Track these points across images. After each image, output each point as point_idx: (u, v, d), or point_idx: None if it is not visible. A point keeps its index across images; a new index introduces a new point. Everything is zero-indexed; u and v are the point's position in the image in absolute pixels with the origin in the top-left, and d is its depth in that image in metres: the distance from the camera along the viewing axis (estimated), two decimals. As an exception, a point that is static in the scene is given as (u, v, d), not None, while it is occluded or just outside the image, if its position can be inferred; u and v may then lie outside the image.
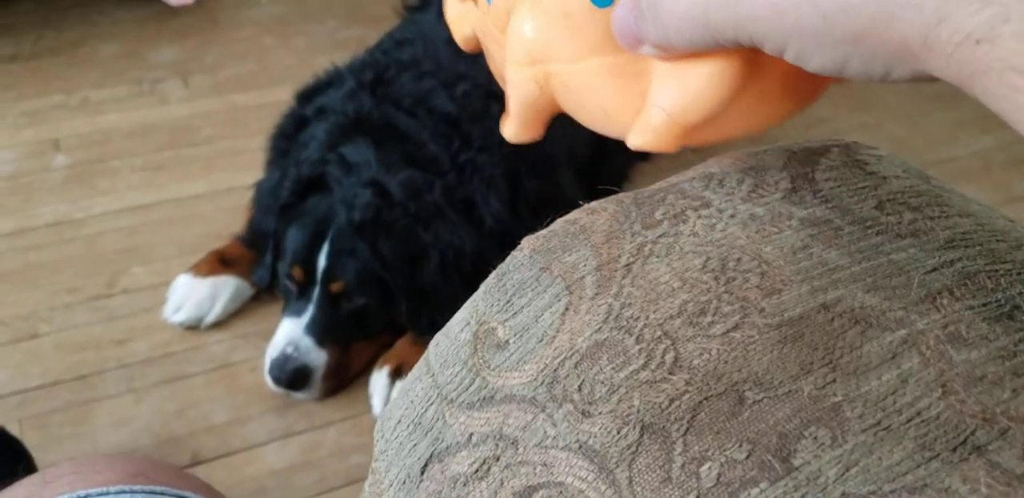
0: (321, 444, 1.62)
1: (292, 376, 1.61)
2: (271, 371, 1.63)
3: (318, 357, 1.63)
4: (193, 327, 1.80)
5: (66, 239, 2.00)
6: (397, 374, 1.68)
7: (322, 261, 1.62)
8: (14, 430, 1.56)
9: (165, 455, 1.57)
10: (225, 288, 1.85)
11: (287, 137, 1.90)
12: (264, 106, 2.54)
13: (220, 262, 1.88)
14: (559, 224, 0.40)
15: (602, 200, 0.40)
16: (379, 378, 1.70)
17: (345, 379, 1.71)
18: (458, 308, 0.44)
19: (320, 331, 1.63)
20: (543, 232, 0.40)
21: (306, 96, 1.97)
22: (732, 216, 0.36)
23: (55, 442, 1.57)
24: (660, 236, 0.36)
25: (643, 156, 2.42)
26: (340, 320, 1.65)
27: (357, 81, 1.83)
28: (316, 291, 1.63)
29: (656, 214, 0.38)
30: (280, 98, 2.56)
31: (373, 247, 1.59)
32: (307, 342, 1.62)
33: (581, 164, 2.04)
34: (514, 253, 0.40)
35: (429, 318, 1.66)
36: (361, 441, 1.63)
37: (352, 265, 1.60)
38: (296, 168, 1.71)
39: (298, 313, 1.65)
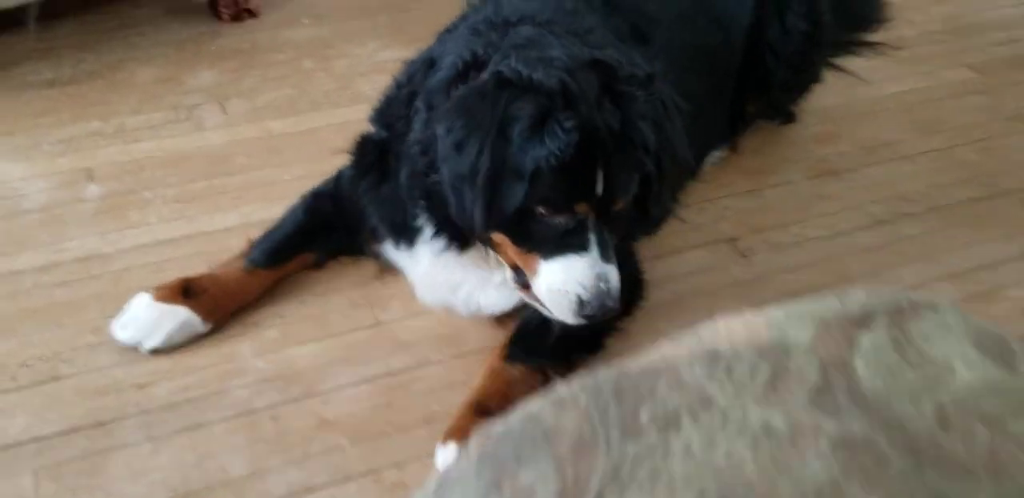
0: (342, 500, 1.55)
1: (615, 301, 1.53)
2: (592, 308, 1.52)
3: (616, 274, 1.54)
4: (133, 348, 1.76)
5: (94, 275, 1.96)
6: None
7: (599, 189, 1.48)
8: (27, 482, 1.51)
9: (179, 512, 1.50)
10: (172, 319, 1.78)
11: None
12: (301, 134, 2.50)
13: (182, 291, 1.81)
14: (518, 420, 0.31)
15: (576, 385, 0.31)
16: (446, 456, 1.59)
17: None
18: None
19: (608, 253, 1.53)
20: (499, 429, 0.31)
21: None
22: (741, 429, 0.27)
23: (70, 495, 1.51)
24: (644, 452, 0.27)
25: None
26: (613, 232, 1.57)
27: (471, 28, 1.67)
28: (591, 220, 1.51)
29: (641, 414, 0.29)
30: (317, 125, 2.53)
31: (635, 143, 1.48)
32: (609, 269, 1.53)
33: None
34: (461, 454, 0.31)
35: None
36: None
37: (626, 180, 1.51)
38: (518, 83, 1.44)
39: (581, 247, 1.51)
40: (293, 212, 1.99)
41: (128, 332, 1.77)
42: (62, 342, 1.79)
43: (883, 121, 2.78)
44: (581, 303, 1.52)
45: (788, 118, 2.71)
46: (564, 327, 1.68)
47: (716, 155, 2.47)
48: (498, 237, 1.57)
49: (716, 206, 2.37)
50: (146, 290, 1.83)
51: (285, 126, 2.52)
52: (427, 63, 1.67)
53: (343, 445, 1.63)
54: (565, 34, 1.60)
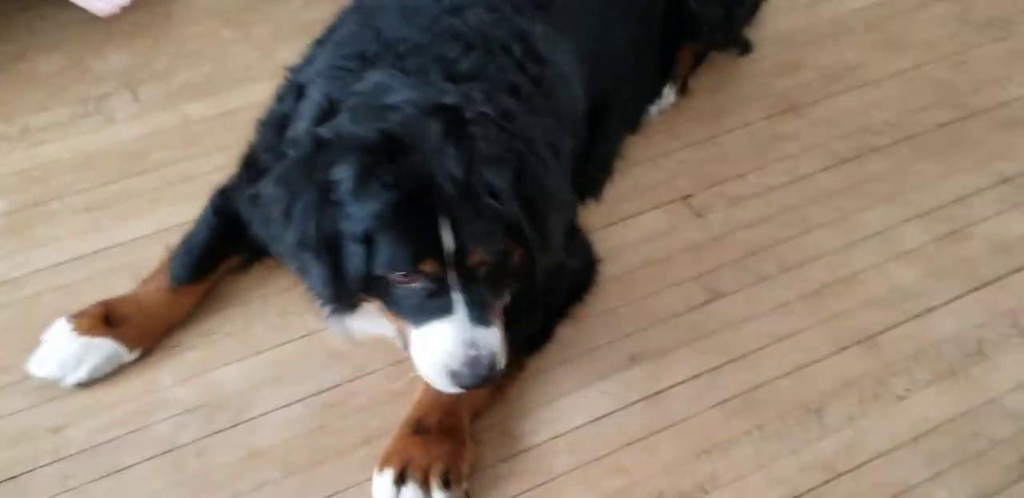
0: (274, 545, 1.46)
1: (490, 371, 1.38)
2: (462, 380, 1.37)
3: (495, 337, 1.39)
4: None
5: (0, 305, 1.83)
6: (402, 479, 1.49)
7: (448, 242, 1.30)
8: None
9: (100, 573, 1.42)
10: (97, 352, 1.67)
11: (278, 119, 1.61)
12: (220, 116, 2.33)
13: (104, 320, 1.69)
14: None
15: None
16: (382, 486, 1.50)
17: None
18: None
19: (481, 312, 1.37)
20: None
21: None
22: None
23: (-17, 563, 1.43)
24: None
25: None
26: (485, 287, 1.38)
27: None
28: (452, 277, 1.34)
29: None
30: (238, 104, 2.35)
31: (486, 190, 1.30)
32: (481, 333, 1.37)
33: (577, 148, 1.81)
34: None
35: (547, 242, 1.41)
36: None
37: (480, 228, 1.30)
38: (336, 142, 1.32)
39: (444, 310, 1.36)
40: (205, 215, 1.85)
41: (47, 369, 1.66)
42: (-32, 387, 1.68)
43: (846, 42, 2.60)
44: (452, 373, 1.37)
45: (744, 48, 2.53)
46: (510, 323, 1.56)
47: (657, 107, 2.30)
48: (372, 301, 1.44)
49: (670, 160, 2.23)
50: (63, 318, 1.71)
51: (203, 109, 2.35)
52: (297, 89, 1.57)
53: (274, 478, 1.55)
54: (428, 66, 1.46)
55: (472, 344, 1.35)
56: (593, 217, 2.04)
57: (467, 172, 1.28)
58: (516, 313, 1.58)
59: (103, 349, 1.67)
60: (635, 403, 1.70)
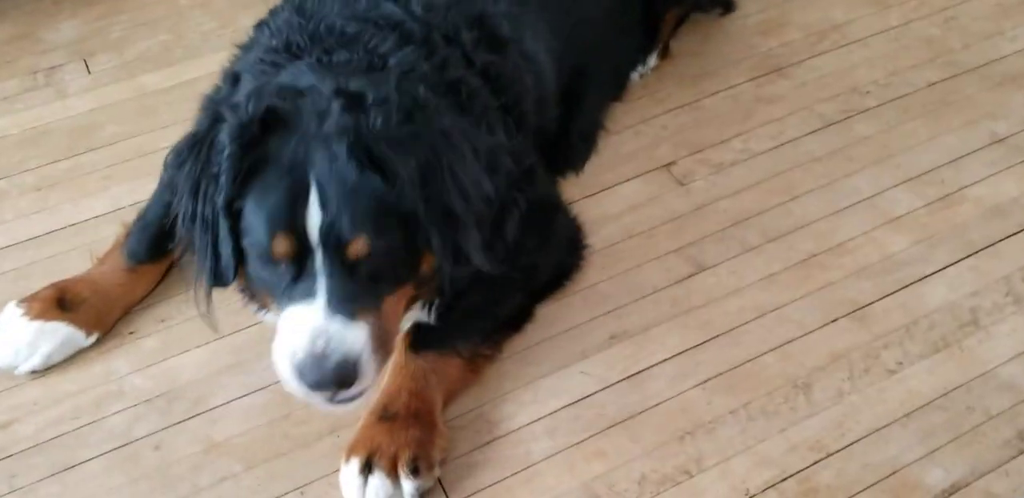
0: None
1: (339, 373, 1.21)
2: (305, 377, 1.22)
3: (357, 337, 1.22)
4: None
5: (-56, 292, 1.74)
6: (368, 468, 1.39)
7: (315, 218, 1.20)
8: None
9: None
10: (51, 337, 1.58)
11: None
12: (177, 87, 2.23)
13: (57, 303, 1.61)
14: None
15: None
16: (348, 476, 1.40)
17: (391, 345, 1.34)
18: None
19: (346, 303, 1.22)
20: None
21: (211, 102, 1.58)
22: None
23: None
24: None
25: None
26: (363, 280, 1.24)
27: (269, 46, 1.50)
28: (319, 258, 1.22)
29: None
30: (195, 75, 2.24)
31: (377, 169, 1.20)
32: (336, 325, 1.21)
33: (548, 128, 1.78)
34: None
35: (458, 245, 1.30)
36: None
37: (358, 207, 1.20)
38: (228, 117, 1.26)
39: (305, 295, 1.23)
40: (161, 188, 1.74)
41: None
42: (-92, 382, 1.59)
43: (834, -1, 2.49)
44: (296, 368, 1.22)
45: (726, 8, 2.43)
46: (485, 301, 1.54)
47: (640, 72, 2.21)
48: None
49: (652, 127, 2.14)
50: (13, 303, 1.63)
51: (159, 80, 2.24)
52: (232, 77, 1.51)
53: (236, 472, 1.47)
54: (353, 61, 1.39)
55: (321, 335, 1.20)
56: (572, 188, 1.95)
57: (352, 148, 1.19)
58: (494, 293, 1.52)
59: (58, 334, 1.59)
60: (616, 384, 1.62)
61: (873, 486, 1.47)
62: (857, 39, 2.38)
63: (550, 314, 1.72)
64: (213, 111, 1.31)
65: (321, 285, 1.22)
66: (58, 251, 1.81)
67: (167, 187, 1.69)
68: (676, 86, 2.24)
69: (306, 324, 1.21)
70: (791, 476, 1.49)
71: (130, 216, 1.79)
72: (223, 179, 1.22)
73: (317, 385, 1.21)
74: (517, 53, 1.60)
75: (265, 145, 1.22)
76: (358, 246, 1.20)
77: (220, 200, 1.23)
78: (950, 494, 1.46)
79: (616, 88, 2.13)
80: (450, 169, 1.25)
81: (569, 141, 1.91)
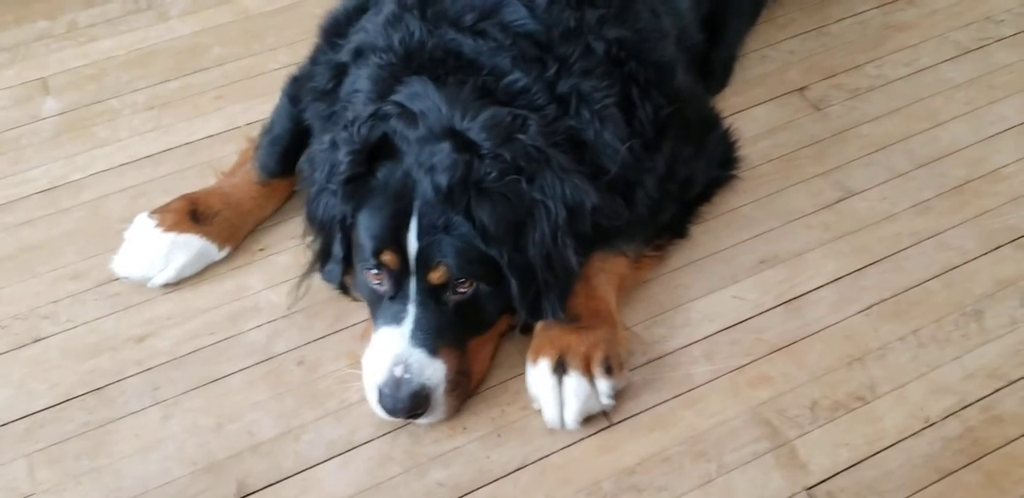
0: (391, 457, 1.31)
1: (411, 403, 1.26)
2: (383, 401, 1.27)
3: (435, 372, 1.27)
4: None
5: (63, 208, 1.68)
6: (562, 369, 1.32)
7: (412, 244, 1.26)
8: (20, 469, 1.29)
9: (203, 490, 1.27)
10: (184, 250, 1.52)
11: (325, 95, 1.51)
12: (282, 11, 2.14)
13: (190, 216, 1.55)
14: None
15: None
16: (540, 377, 1.33)
17: (470, 389, 1.36)
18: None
19: (430, 336, 1.27)
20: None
21: (335, 31, 1.56)
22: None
23: (72, 481, 1.29)
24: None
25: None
26: (449, 316, 1.29)
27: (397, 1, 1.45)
28: (412, 284, 1.27)
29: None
30: (301, -1, 2.16)
31: (469, 216, 1.25)
32: (418, 355, 1.27)
33: (694, 51, 1.72)
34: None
35: (538, 299, 1.33)
36: (440, 449, 1.32)
37: (449, 243, 1.25)
38: (348, 132, 1.32)
39: (396, 319, 1.28)
40: (282, 104, 1.70)
41: (133, 268, 1.52)
42: (39, 294, 1.54)
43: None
44: (378, 390, 1.29)
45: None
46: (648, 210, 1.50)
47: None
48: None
49: (779, 51, 2.04)
50: (144, 214, 1.57)
51: (261, 4, 2.16)
52: (336, 68, 1.52)
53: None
54: (475, 81, 1.37)
55: (400, 363, 1.26)
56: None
57: (451, 189, 1.24)
58: (653, 203, 1.49)
59: (191, 246, 1.53)
60: (772, 309, 1.53)
61: (1063, 414, 1.37)
62: (989, -35, 2.24)
63: (695, 237, 1.63)
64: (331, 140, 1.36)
65: (410, 311, 1.28)
66: (175, 169, 1.75)
67: (291, 100, 1.64)
68: (798, 12, 2.14)
69: (390, 349, 1.28)
70: (972, 404, 1.39)
71: (247, 135, 1.72)
72: (338, 198, 1.31)
73: (392, 412, 1.28)
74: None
75: (376, 169, 1.29)
76: (439, 273, 1.26)
77: (335, 214, 1.33)
78: None
79: (754, 15, 2.04)
80: (540, 238, 1.29)
81: (710, 68, 1.86)
